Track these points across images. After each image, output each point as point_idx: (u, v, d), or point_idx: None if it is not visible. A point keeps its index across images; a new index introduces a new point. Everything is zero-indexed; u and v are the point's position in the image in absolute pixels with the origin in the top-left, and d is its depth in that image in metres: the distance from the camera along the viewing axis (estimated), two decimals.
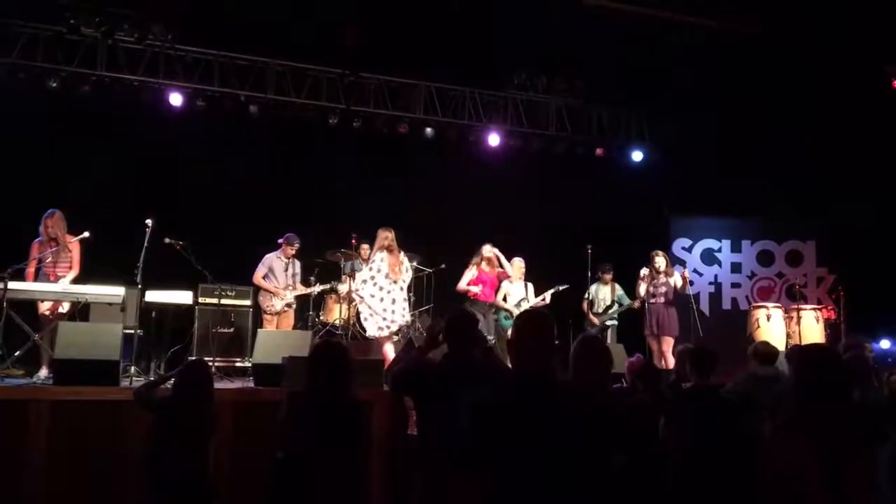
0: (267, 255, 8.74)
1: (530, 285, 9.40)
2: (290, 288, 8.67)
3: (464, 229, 9.91)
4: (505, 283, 9.29)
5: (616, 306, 9.55)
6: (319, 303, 9.33)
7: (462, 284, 8.99)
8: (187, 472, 4.37)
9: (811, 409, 2.66)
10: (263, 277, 8.65)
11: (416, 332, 8.69)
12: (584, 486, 2.64)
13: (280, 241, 8.72)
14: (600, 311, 9.61)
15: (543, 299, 9.25)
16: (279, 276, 8.67)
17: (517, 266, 9.31)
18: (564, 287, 9.29)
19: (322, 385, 4.04)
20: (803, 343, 8.28)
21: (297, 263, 8.83)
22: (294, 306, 8.78)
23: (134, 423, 5.58)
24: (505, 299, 9.24)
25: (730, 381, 5.51)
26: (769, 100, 10.50)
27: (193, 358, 7.05)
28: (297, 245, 8.72)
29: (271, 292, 8.60)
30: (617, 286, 9.65)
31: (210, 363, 7.66)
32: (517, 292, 9.30)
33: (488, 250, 9.02)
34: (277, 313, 8.60)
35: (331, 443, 3.97)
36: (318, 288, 8.85)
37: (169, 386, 4.72)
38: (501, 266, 9.12)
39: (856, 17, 8.84)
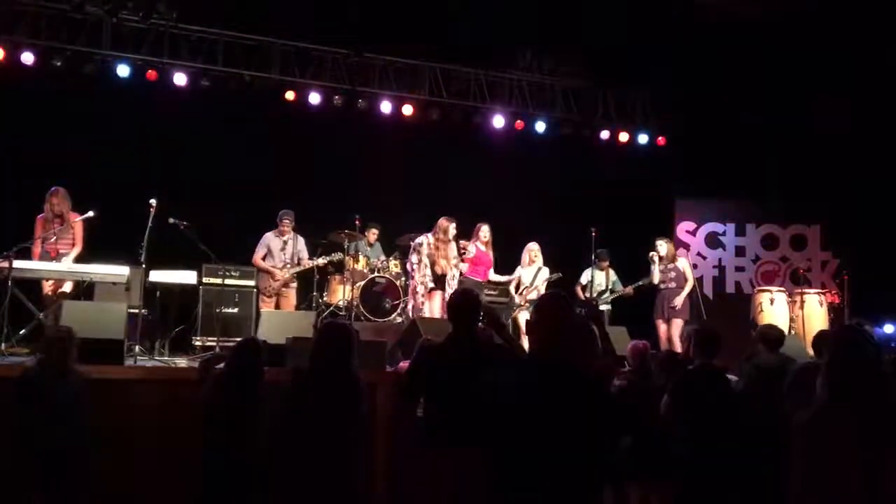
0: (265, 235, 8.67)
1: (545, 270, 9.17)
2: (288, 266, 8.57)
3: (467, 212, 9.85)
4: (518, 269, 9.19)
5: (608, 293, 9.51)
6: (323, 283, 9.32)
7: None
8: (233, 453, 4.44)
9: (848, 393, 2.65)
10: (262, 258, 8.60)
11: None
12: (587, 466, 2.66)
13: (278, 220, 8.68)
14: (594, 295, 9.57)
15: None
16: (276, 255, 8.60)
17: (529, 250, 9.18)
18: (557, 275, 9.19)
19: (325, 362, 4.22)
20: (806, 327, 8.28)
21: (301, 240, 8.75)
22: (293, 286, 8.72)
23: (139, 402, 5.62)
24: (519, 285, 9.12)
25: (737, 379, 5.47)
26: (775, 81, 10.44)
27: (252, 336, 6.81)
28: (289, 220, 8.61)
29: (267, 272, 8.55)
30: (612, 272, 9.59)
31: (214, 343, 7.76)
32: (527, 277, 9.13)
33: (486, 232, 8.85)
34: (275, 294, 8.54)
35: (331, 417, 4.12)
36: (317, 262, 8.69)
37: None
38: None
39: None
